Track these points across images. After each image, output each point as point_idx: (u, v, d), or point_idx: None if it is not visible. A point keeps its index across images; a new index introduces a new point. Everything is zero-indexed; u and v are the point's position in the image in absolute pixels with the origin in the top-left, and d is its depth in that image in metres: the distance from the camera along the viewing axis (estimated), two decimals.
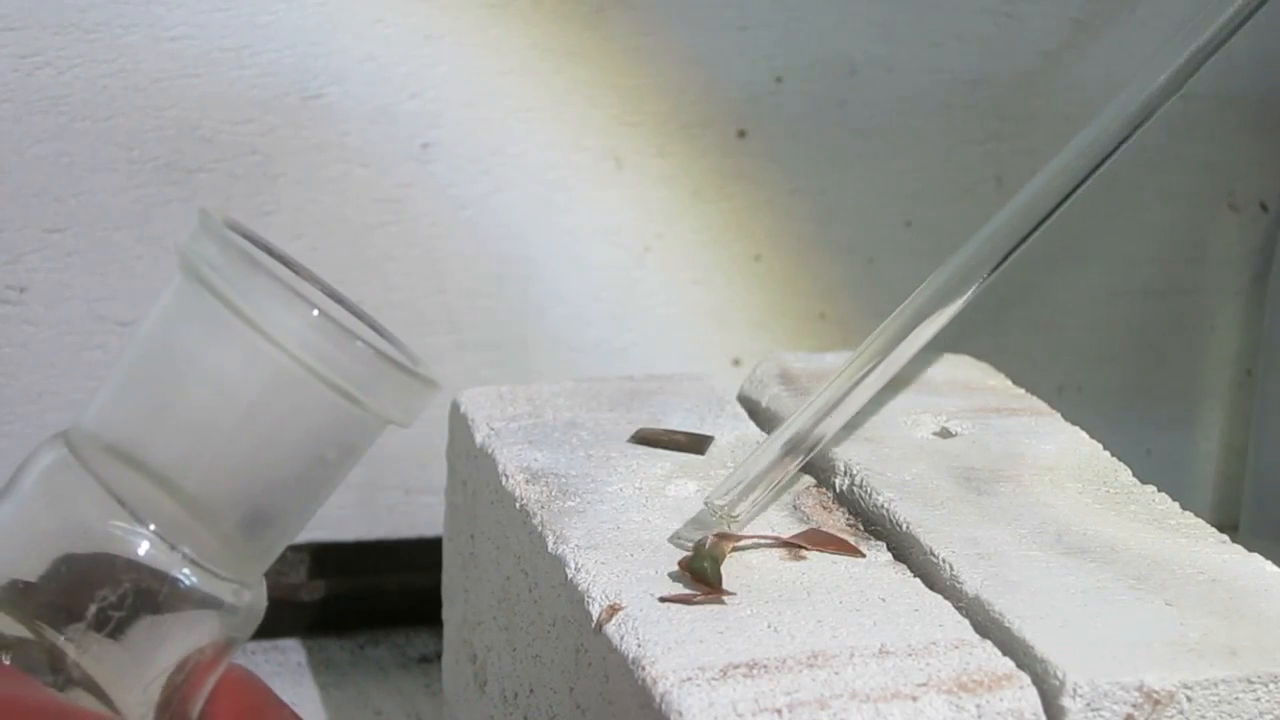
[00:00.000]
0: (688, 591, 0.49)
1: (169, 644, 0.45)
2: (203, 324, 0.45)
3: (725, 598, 0.49)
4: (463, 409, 0.62)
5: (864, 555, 0.53)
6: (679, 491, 0.56)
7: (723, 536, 0.51)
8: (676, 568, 0.51)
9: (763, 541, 0.53)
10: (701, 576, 0.50)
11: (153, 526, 0.44)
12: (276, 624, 0.77)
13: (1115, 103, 0.62)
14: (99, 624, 0.44)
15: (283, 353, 0.44)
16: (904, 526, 0.54)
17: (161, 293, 0.46)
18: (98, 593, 0.44)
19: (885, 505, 0.56)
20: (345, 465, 0.47)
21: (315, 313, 0.44)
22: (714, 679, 0.45)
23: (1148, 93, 0.62)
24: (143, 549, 0.44)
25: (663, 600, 0.49)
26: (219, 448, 0.45)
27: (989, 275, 0.61)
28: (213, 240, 0.45)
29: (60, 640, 0.44)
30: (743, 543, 0.52)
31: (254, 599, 0.47)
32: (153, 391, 0.46)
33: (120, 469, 0.45)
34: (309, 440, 0.46)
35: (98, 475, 0.45)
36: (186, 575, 0.45)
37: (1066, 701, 0.46)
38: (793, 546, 0.53)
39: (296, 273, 0.47)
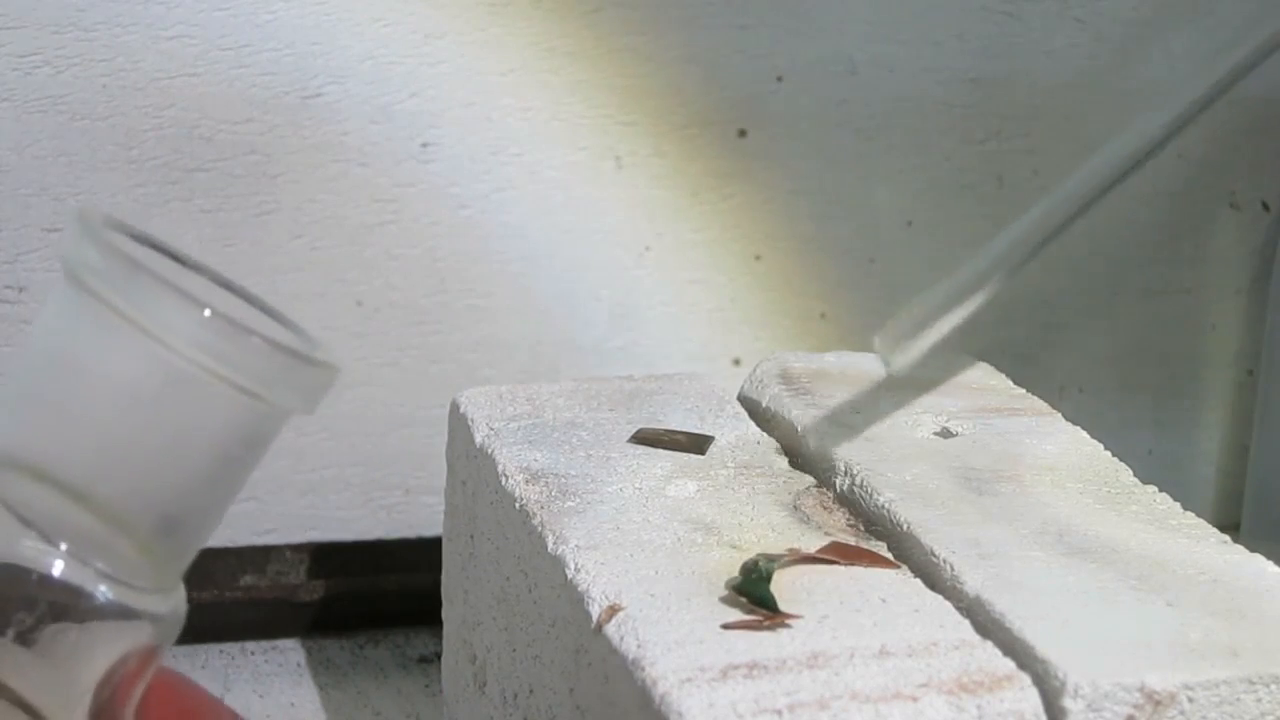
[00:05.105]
0: (750, 618, 0.48)
1: (93, 657, 0.44)
2: (93, 331, 0.44)
3: (791, 621, 0.48)
4: (463, 409, 0.62)
5: (900, 566, 0.52)
6: (679, 491, 0.56)
7: (768, 557, 0.51)
8: (728, 592, 0.50)
9: (803, 560, 0.52)
10: (760, 601, 0.49)
11: (64, 545, 0.43)
12: (276, 624, 0.77)
13: (1136, 126, 0.61)
14: (20, 642, 0.43)
15: (175, 354, 0.43)
16: (904, 527, 0.54)
17: (46, 301, 0.45)
18: (15, 616, 0.43)
19: (886, 505, 0.55)
20: (253, 458, 0.46)
21: (206, 312, 0.43)
22: (714, 680, 0.45)
23: (1175, 114, 0.61)
24: (57, 569, 0.43)
25: (725, 628, 0.48)
26: (123, 454, 0.44)
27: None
28: (93, 243, 0.43)
29: None
30: (783, 560, 0.51)
31: (175, 604, 0.46)
32: (50, 403, 0.45)
33: (27, 486, 0.44)
34: (213, 439, 0.45)
35: (1, 496, 0.43)
36: (104, 592, 0.44)
37: (1068, 702, 0.45)
38: (830, 563, 0.52)
39: (184, 265, 0.46)
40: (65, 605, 0.44)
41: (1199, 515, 0.56)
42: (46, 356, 0.45)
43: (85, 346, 0.44)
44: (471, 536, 0.61)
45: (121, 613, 0.44)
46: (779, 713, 0.44)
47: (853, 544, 0.53)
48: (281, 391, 0.44)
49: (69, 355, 0.45)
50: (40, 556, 0.43)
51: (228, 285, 0.47)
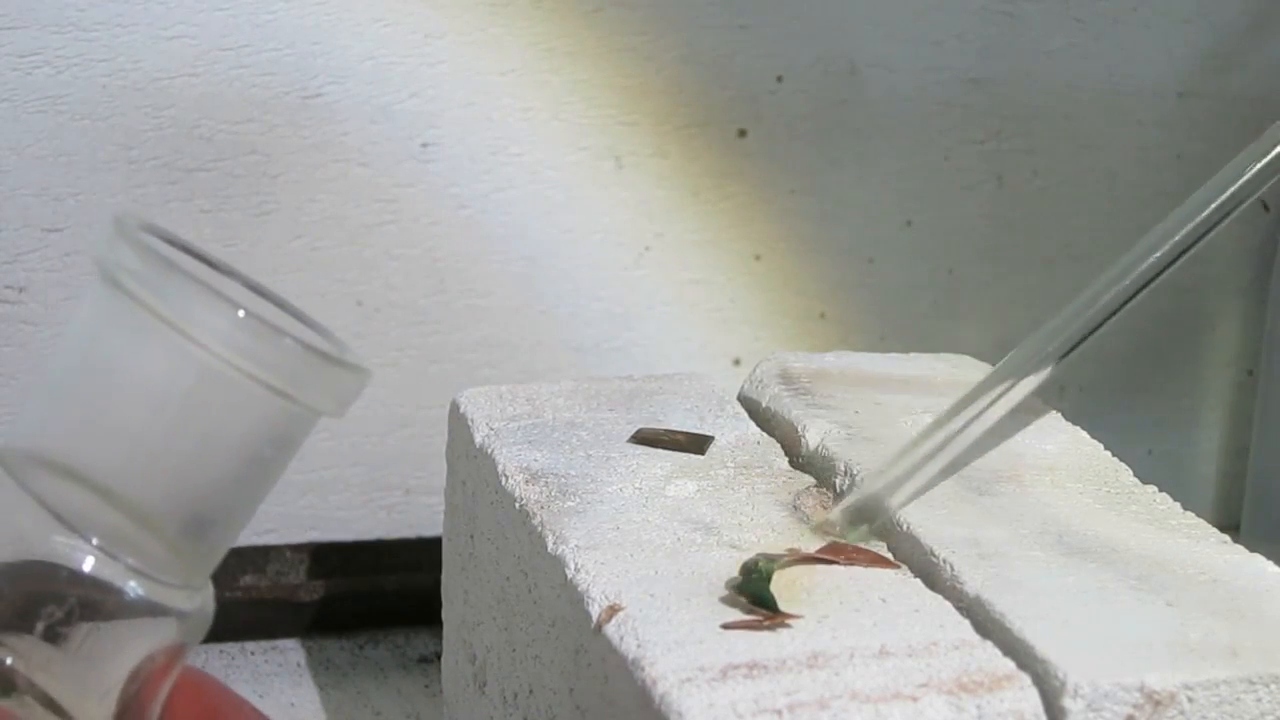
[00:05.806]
0: (750, 618, 0.48)
1: (121, 654, 0.45)
2: (127, 331, 0.44)
3: (791, 621, 0.48)
4: (462, 409, 0.62)
5: (900, 566, 0.52)
6: (679, 491, 0.56)
7: (768, 557, 0.51)
8: (728, 592, 0.50)
9: (803, 560, 0.52)
10: (760, 600, 0.49)
11: (95, 540, 0.44)
12: (276, 624, 0.77)
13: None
14: (48, 638, 0.44)
15: (208, 354, 0.43)
16: (904, 526, 0.54)
17: (81, 301, 0.46)
18: (43, 609, 0.43)
19: None
20: (282, 460, 0.47)
21: (241, 312, 0.43)
22: (714, 679, 0.45)
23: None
24: (88, 564, 0.44)
25: (725, 628, 0.47)
26: (155, 454, 0.45)
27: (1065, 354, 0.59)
28: (129, 246, 0.44)
29: (9, 655, 0.43)
30: (783, 560, 0.51)
31: (203, 602, 0.47)
32: (84, 403, 0.45)
33: (58, 483, 0.44)
34: (244, 439, 0.45)
35: (34, 492, 0.44)
36: (133, 588, 0.44)
37: (1068, 702, 0.45)
38: (830, 563, 0.52)
39: (216, 269, 0.46)
40: (95, 601, 0.44)
41: (1199, 515, 0.56)
42: (80, 356, 0.46)
43: (119, 346, 0.45)
44: (471, 536, 0.61)
45: (150, 609, 0.45)
46: (779, 713, 0.44)
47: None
48: (313, 393, 0.45)
49: (103, 355, 0.45)
50: (71, 552, 0.44)
51: (258, 289, 0.47)
